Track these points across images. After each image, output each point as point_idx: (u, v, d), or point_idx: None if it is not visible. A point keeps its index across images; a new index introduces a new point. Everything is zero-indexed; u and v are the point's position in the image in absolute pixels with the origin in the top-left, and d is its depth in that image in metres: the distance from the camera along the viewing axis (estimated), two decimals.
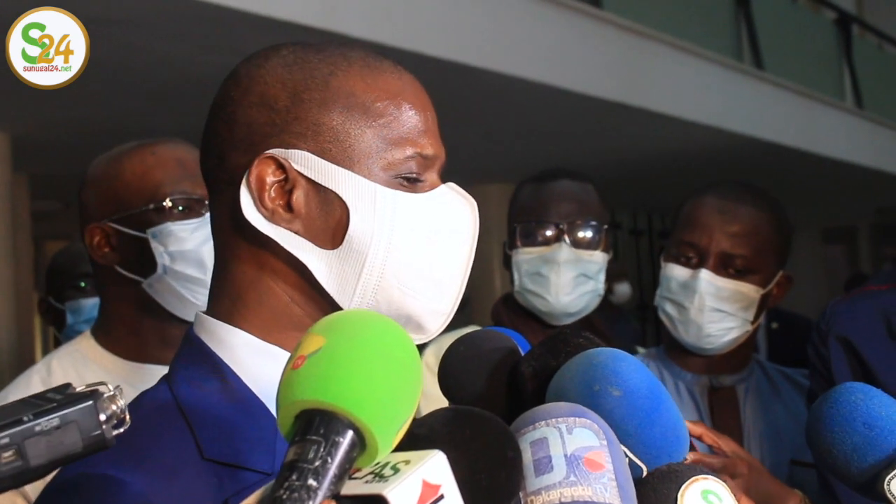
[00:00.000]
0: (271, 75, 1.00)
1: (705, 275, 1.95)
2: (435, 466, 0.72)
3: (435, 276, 1.01)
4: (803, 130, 8.51)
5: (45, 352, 6.74)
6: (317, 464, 0.68)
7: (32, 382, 1.75)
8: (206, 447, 0.93)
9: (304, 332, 0.94)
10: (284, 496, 0.67)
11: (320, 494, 0.68)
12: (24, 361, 5.39)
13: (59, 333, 2.99)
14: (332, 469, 0.69)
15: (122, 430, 0.76)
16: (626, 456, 0.85)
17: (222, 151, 1.01)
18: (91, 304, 2.70)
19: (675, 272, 2.00)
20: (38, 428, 0.73)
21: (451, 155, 1.07)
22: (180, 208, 1.72)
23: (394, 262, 0.99)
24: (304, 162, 0.98)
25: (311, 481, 0.68)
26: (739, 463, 1.46)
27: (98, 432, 0.74)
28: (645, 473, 0.87)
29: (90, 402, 0.74)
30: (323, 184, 0.98)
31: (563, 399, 0.90)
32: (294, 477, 0.68)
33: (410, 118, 1.01)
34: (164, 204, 1.71)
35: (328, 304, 0.99)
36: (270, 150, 0.98)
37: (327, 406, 0.70)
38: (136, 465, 0.90)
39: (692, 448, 1.33)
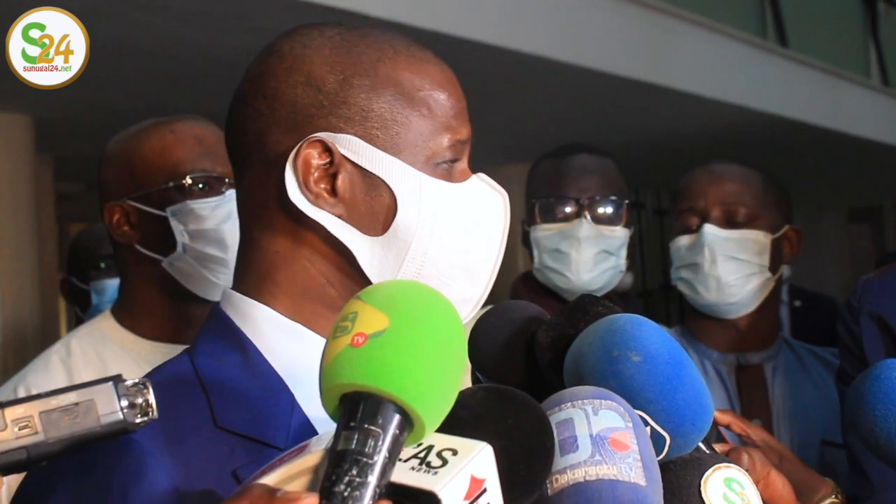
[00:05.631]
0: (318, 56, 1.00)
1: (709, 228, 1.97)
2: (482, 460, 0.71)
3: (470, 265, 1.03)
4: (828, 108, 8.42)
5: None
6: (376, 458, 0.68)
7: (52, 362, 1.75)
8: (220, 415, 0.93)
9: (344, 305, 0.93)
10: (346, 493, 0.66)
11: (376, 491, 0.67)
12: (49, 343, 5.40)
13: (83, 313, 3.00)
14: (389, 464, 0.68)
15: (147, 419, 0.75)
16: (648, 424, 0.84)
17: (260, 128, 1.00)
18: (116, 283, 2.71)
19: (682, 241, 2.03)
20: (54, 402, 0.73)
21: (473, 135, 1.07)
22: (200, 186, 1.71)
23: (434, 251, 1.00)
24: (351, 147, 0.98)
25: (370, 477, 0.67)
26: (770, 453, 1.44)
27: (118, 415, 0.73)
28: (668, 443, 0.86)
29: (109, 384, 0.74)
30: (370, 170, 0.98)
31: (582, 366, 0.89)
32: (354, 472, 0.67)
33: (450, 107, 1.02)
34: (184, 182, 1.70)
35: (364, 287, 0.99)
36: (318, 134, 0.98)
37: (387, 395, 0.69)
38: (148, 427, 0.88)
39: (722, 438, 1.31)
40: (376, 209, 0.98)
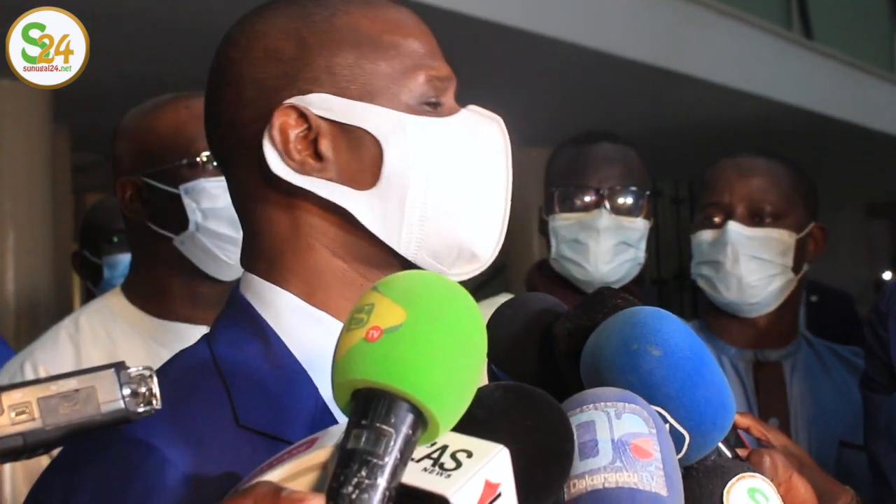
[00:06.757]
0: (271, 28, 0.97)
1: (733, 226, 1.94)
2: (498, 464, 0.68)
3: (478, 198, 0.98)
4: (851, 102, 8.36)
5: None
6: (386, 459, 0.65)
7: (60, 338, 1.73)
8: (242, 414, 0.90)
9: (357, 287, 0.93)
10: (354, 495, 0.64)
11: (386, 494, 0.64)
12: (62, 314, 5.40)
13: (95, 287, 2.99)
14: (400, 466, 0.65)
15: (150, 409, 0.72)
16: (667, 421, 0.81)
17: (232, 116, 0.98)
18: (128, 258, 2.70)
19: (704, 236, 2.00)
20: (53, 388, 0.71)
21: None
22: (214, 164, 1.67)
23: (435, 190, 0.95)
24: (325, 105, 0.94)
25: (380, 479, 0.64)
26: (790, 458, 1.41)
27: (119, 403, 0.71)
28: (687, 442, 0.83)
29: (111, 371, 0.71)
30: (349, 123, 0.94)
31: (600, 360, 0.87)
32: (363, 473, 0.64)
33: (418, 46, 0.99)
34: (198, 159, 1.67)
35: (374, 248, 0.96)
36: (288, 100, 0.94)
37: (401, 394, 0.67)
38: (168, 430, 0.86)
39: (742, 443, 1.29)
40: (364, 161, 0.95)
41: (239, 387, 0.92)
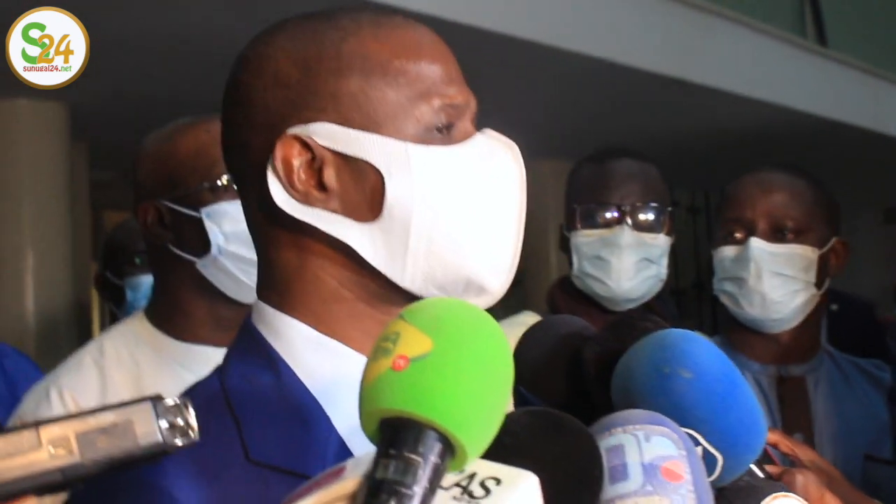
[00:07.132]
0: (280, 52, 0.95)
1: (756, 242, 1.94)
2: (527, 492, 0.68)
3: (487, 230, 0.95)
4: (867, 109, 8.33)
5: (104, 324, 6.79)
6: (415, 489, 0.64)
7: (84, 363, 1.73)
8: (252, 448, 0.89)
9: (367, 318, 0.92)
10: None
11: None
12: (80, 331, 5.43)
13: (117, 309, 2.99)
14: (429, 494, 0.65)
15: (187, 441, 0.72)
16: (699, 444, 0.81)
17: (242, 140, 0.96)
18: (151, 280, 2.70)
19: (726, 252, 1.99)
20: (92, 422, 0.71)
21: (505, 131, 1.01)
22: (235, 187, 1.68)
23: (441, 223, 0.92)
24: (327, 135, 0.92)
25: None
26: (819, 474, 1.41)
27: (157, 436, 0.71)
28: (720, 464, 0.83)
29: (148, 404, 0.71)
30: (351, 154, 0.92)
31: (630, 383, 0.87)
32: (393, 503, 0.64)
33: (432, 70, 0.95)
34: (219, 182, 1.67)
35: (379, 282, 0.94)
36: (291, 130, 0.93)
37: (428, 422, 0.66)
38: (177, 468, 0.85)
39: (770, 459, 1.28)
40: (367, 192, 0.92)
41: (249, 421, 0.91)
